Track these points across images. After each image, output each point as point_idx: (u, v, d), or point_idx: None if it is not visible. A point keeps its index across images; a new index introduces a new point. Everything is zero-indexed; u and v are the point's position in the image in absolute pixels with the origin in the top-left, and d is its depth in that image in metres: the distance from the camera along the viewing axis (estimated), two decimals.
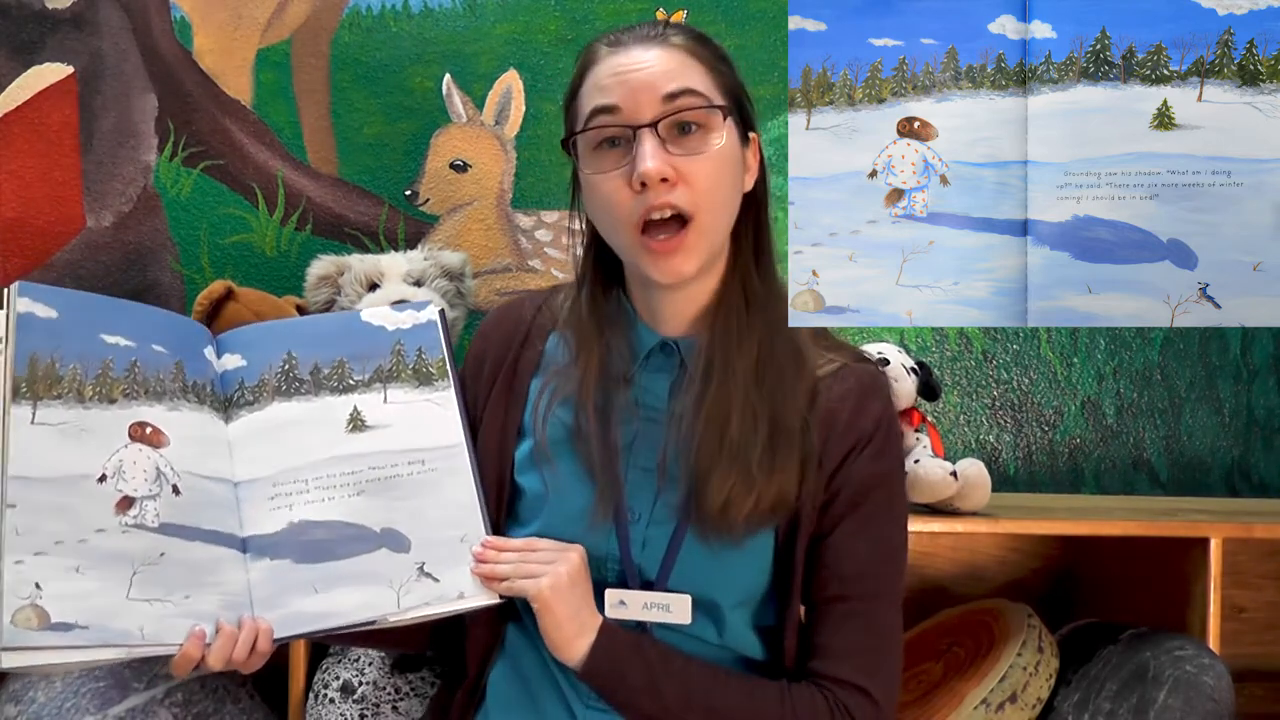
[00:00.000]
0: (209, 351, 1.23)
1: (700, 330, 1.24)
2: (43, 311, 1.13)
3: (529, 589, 1.14)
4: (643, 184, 1.15)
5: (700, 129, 1.17)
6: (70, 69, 1.91)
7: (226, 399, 1.22)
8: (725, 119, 1.19)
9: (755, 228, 1.26)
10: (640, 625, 1.19)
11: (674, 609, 1.18)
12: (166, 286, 1.93)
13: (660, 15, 1.96)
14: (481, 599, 1.17)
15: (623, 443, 1.21)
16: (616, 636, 1.16)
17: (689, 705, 1.15)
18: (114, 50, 1.92)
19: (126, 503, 1.11)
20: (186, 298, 1.91)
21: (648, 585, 1.20)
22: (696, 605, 1.19)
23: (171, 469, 1.14)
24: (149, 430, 1.15)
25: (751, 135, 1.25)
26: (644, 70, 1.17)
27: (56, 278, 1.90)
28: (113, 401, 1.14)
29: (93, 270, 1.91)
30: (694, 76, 1.18)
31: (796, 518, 1.20)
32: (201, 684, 1.55)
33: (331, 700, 1.53)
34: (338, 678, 1.54)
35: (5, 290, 1.14)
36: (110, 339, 1.16)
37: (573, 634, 1.15)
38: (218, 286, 1.64)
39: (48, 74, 1.91)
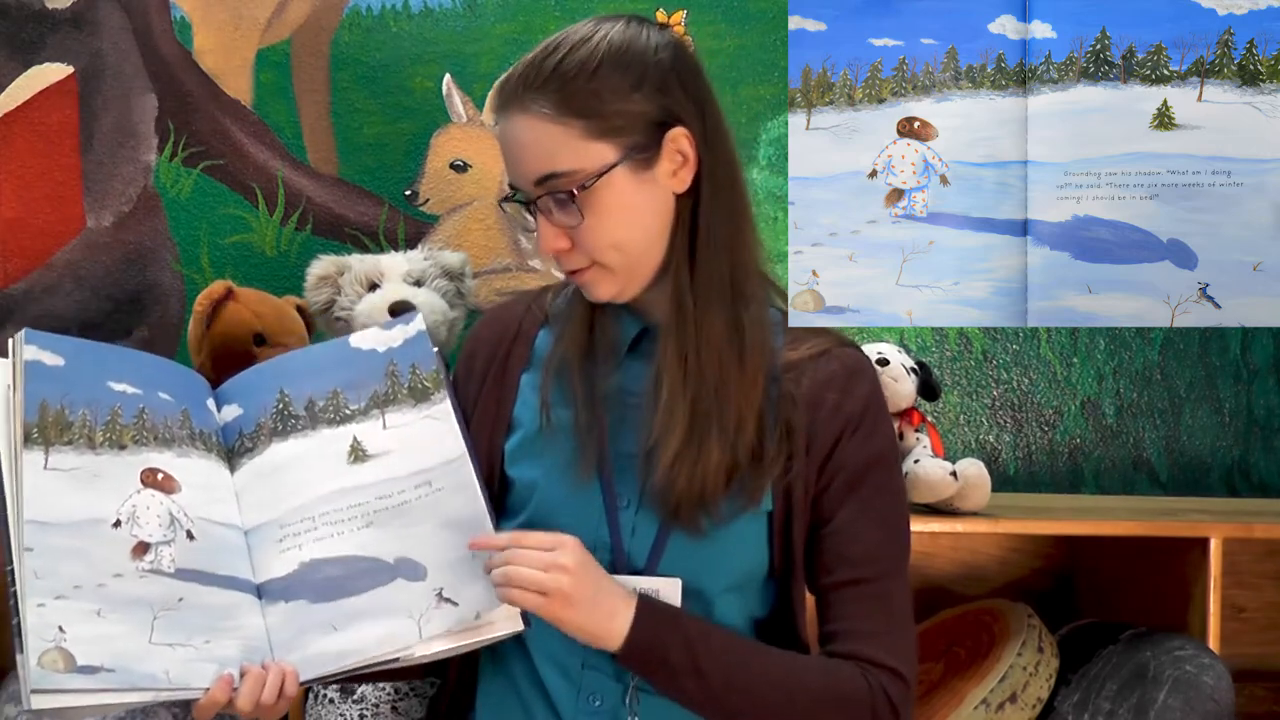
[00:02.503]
0: (210, 404, 1.22)
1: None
2: (50, 359, 1.12)
3: (541, 611, 1.11)
4: None
5: (575, 197, 1.15)
6: (70, 69, 1.91)
7: (229, 449, 1.20)
8: (599, 176, 1.14)
9: (690, 226, 1.19)
10: None
11: (663, 595, 1.17)
12: (166, 286, 1.93)
13: (660, 16, 1.95)
14: (506, 627, 1.13)
15: (610, 430, 1.20)
16: (654, 614, 1.14)
17: (730, 681, 1.14)
18: (114, 50, 1.92)
19: (142, 548, 1.10)
20: (186, 298, 1.91)
21: (636, 573, 1.18)
22: (686, 592, 1.18)
23: (184, 515, 1.13)
24: (161, 476, 1.13)
25: (678, 134, 1.17)
26: (515, 149, 1.17)
27: (57, 278, 1.90)
28: (123, 448, 1.13)
29: (93, 270, 1.91)
30: (557, 151, 1.15)
31: (789, 505, 1.19)
32: None
33: (331, 700, 1.53)
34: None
35: (10, 339, 1.13)
36: (117, 386, 1.15)
37: (597, 630, 1.12)
38: (218, 287, 1.64)
39: (48, 74, 1.91)
